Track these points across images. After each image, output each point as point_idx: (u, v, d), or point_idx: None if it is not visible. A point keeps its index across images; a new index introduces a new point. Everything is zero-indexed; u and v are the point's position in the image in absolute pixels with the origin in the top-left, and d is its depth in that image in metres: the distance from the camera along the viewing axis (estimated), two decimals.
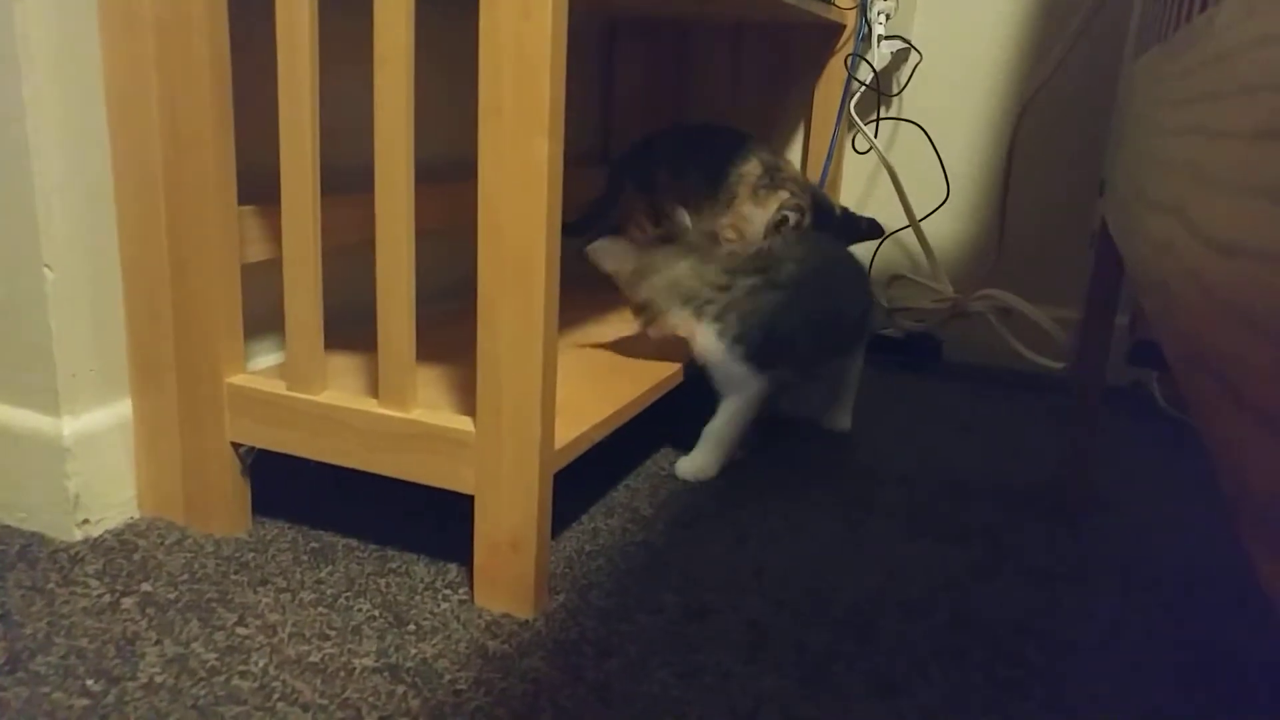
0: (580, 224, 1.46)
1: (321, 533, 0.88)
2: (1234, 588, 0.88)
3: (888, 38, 1.51)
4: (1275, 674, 0.75)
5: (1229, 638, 0.80)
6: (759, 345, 1.00)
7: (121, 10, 0.77)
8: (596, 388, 0.93)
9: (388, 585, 0.80)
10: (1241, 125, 0.32)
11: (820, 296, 1.07)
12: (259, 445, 0.84)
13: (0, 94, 0.76)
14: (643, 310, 1.03)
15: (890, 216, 1.62)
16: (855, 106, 1.55)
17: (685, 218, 1.07)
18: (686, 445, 1.07)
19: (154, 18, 0.77)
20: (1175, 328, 0.40)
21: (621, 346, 1.10)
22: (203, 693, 0.64)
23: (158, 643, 0.70)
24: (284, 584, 0.79)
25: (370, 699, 0.65)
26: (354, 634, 0.72)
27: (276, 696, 0.64)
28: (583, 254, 1.03)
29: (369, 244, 0.90)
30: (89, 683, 0.65)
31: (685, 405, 1.26)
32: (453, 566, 0.83)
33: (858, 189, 1.64)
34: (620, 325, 1.19)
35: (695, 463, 1.05)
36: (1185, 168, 0.43)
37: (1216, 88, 0.39)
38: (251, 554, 0.83)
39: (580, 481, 1.02)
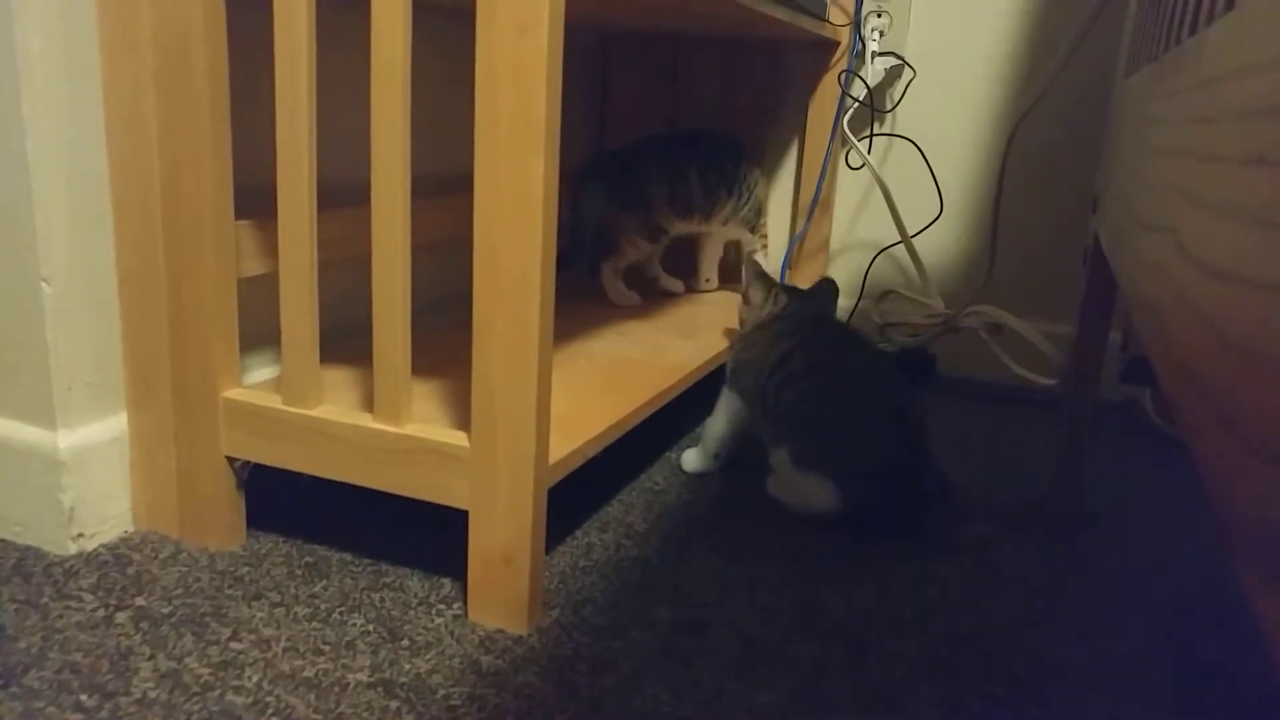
0: (560, 257, 1.47)
1: (316, 547, 0.88)
2: (1226, 604, 0.89)
3: (881, 54, 1.52)
4: (1266, 693, 0.75)
5: (1221, 654, 0.80)
6: (733, 366, 1.11)
7: (121, 27, 0.78)
8: (591, 403, 0.94)
9: (382, 600, 0.79)
10: (1231, 151, 0.32)
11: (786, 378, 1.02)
12: (254, 459, 0.84)
13: (0, 109, 0.76)
14: None
15: (883, 232, 1.63)
16: (849, 122, 1.56)
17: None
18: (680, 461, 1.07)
19: (153, 35, 0.77)
20: (1167, 349, 0.41)
21: None
22: (196, 708, 0.64)
23: (151, 657, 0.70)
24: (278, 598, 0.79)
25: (364, 714, 0.65)
26: (348, 649, 0.72)
27: (270, 712, 0.64)
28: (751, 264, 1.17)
29: (365, 258, 0.90)
30: (83, 698, 0.65)
31: (681, 419, 1.26)
32: (447, 581, 0.83)
33: (851, 205, 1.65)
34: (615, 340, 1.19)
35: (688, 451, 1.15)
36: (1176, 190, 0.44)
37: (1207, 112, 0.39)
38: (246, 568, 0.83)
39: (574, 497, 1.02)
